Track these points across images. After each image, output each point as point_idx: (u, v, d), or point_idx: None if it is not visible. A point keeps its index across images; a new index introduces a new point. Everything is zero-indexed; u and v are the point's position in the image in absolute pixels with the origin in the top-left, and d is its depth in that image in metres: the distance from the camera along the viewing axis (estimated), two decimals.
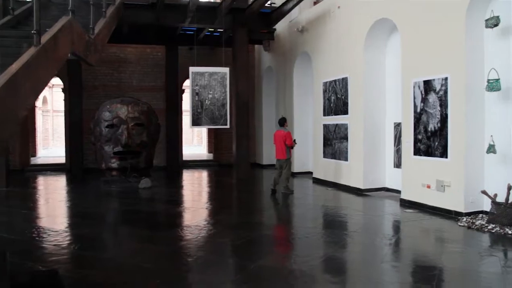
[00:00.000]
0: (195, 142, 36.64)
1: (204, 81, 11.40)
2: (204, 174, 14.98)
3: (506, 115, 6.70)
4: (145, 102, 12.90)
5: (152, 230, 6.75)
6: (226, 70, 11.65)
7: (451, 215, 7.15)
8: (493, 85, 6.57)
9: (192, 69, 11.51)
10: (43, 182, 12.93)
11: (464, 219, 6.70)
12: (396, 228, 6.83)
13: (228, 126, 12.08)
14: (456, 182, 7.17)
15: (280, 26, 14.58)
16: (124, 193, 10.38)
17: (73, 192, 11.12)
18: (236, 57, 12.47)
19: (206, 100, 11.46)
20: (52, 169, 16.15)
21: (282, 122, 10.09)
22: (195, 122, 11.48)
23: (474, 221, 6.54)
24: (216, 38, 15.05)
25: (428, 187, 7.73)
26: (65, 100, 15.93)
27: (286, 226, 7.19)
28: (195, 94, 11.40)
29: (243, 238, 6.00)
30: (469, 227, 6.33)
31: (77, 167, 14.59)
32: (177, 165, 15.25)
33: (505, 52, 6.70)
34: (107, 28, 9.32)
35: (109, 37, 9.62)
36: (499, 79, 6.54)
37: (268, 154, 16.19)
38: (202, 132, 30.79)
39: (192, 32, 14.95)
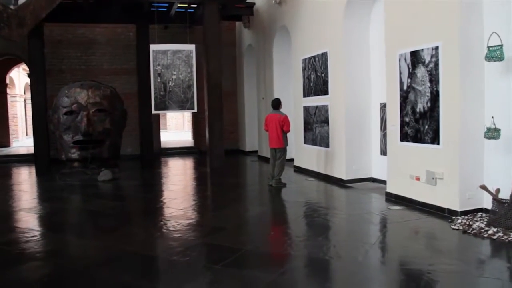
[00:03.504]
0: (186, 128, 35.41)
1: (167, 60, 10.08)
2: (179, 163, 13.76)
3: (511, 91, 5.41)
4: (109, 85, 11.62)
5: (73, 238, 5.56)
6: (191, 47, 10.31)
7: (444, 214, 5.91)
8: (494, 53, 5.26)
9: (152, 47, 10.21)
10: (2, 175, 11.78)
11: (459, 220, 5.45)
12: (376, 233, 5.58)
13: (195, 110, 10.77)
14: (449, 174, 5.90)
15: None
16: (78, 188, 9.21)
17: (22, 187, 9.91)
18: (206, 34, 11.12)
19: (170, 82, 10.14)
20: (20, 160, 15.05)
21: (277, 104, 8.68)
22: (158, 106, 10.19)
23: (471, 223, 5.29)
24: (191, 15, 13.68)
25: (417, 179, 6.48)
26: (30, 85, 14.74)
27: (238, 231, 5.80)
28: (157, 75, 10.10)
29: (172, 250, 4.79)
30: (464, 231, 5.08)
31: (42, 158, 13.37)
32: (150, 153, 13.98)
33: (509, 11, 5.37)
34: (44, 1, 8.00)
35: (48, 10, 8.29)
36: (501, 45, 5.23)
37: (251, 140, 15.00)
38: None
39: (165, 9, 13.63)
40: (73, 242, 5.47)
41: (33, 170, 12.65)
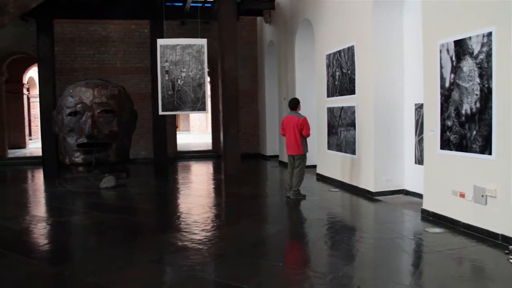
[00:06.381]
0: (209, 130, 34.57)
1: (176, 56, 9.12)
2: (194, 168, 12.87)
3: None
4: (117, 85, 10.76)
5: (44, 263, 4.64)
6: (203, 41, 9.32)
7: (497, 241, 4.76)
8: None
9: (160, 42, 9.28)
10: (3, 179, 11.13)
11: None
12: (412, 267, 4.41)
13: (206, 112, 9.82)
14: (504, 192, 4.73)
15: None
16: (76, 196, 8.41)
17: (21, 193, 9.16)
18: (221, 29, 10.16)
19: (179, 80, 9.18)
20: (33, 162, 14.42)
21: (295, 104, 7.59)
22: (166, 107, 9.25)
23: None
24: (208, 10, 12.79)
25: (462, 196, 5.33)
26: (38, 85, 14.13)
27: (240, 260, 4.65)
28: (164, 72, 9.16)
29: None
30: None
31: (51, 162, 12.68)
32: (163, 157, 13.12)
33: None
34: None
35: (39, 1, 7.46)
36: None
37: (272, 144, 13.97)
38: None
39: (180, 4, 12.81)
40: (42, 270, 4.54)
41: (34, 174, 11.96)
